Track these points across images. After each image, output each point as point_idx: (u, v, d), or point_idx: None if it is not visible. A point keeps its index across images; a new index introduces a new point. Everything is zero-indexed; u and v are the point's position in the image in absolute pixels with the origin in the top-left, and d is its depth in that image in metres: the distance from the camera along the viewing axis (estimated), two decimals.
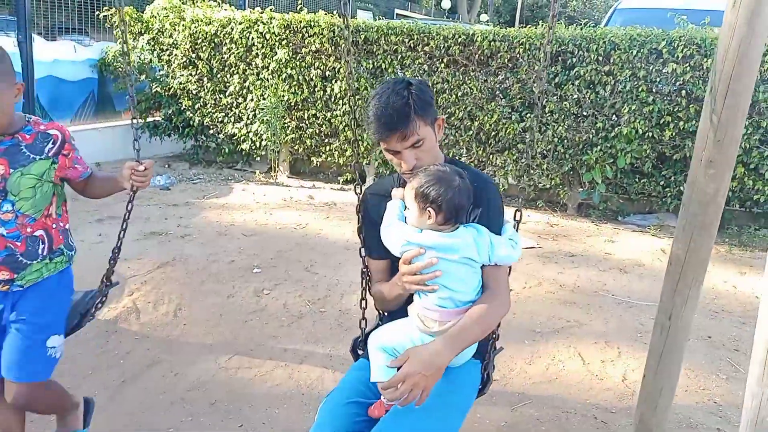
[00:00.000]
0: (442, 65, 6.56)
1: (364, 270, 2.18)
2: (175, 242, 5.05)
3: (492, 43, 6.31)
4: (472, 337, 1.83)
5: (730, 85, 2.06)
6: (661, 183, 6.23)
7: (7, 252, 2.13)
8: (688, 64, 5.77)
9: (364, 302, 2.24)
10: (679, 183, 6.14)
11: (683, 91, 5.83)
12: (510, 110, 6.46)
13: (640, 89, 5.94)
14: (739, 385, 3.47)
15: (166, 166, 7.83)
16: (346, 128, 7.06)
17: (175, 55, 7.62)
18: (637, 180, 6.31)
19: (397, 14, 20.39)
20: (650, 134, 6.01)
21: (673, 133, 5.95)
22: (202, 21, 7.38)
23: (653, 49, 5.86)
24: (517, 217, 2.06)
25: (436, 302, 1.83)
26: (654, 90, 5.97)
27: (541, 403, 3.24)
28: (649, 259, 5.32)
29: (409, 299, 1.97)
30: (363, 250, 2.16)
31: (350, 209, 6.27)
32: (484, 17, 27.37)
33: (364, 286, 2.21)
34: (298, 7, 7.33)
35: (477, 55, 6.44)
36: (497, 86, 6.45)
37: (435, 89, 6.62)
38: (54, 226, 2.28)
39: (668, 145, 6.06)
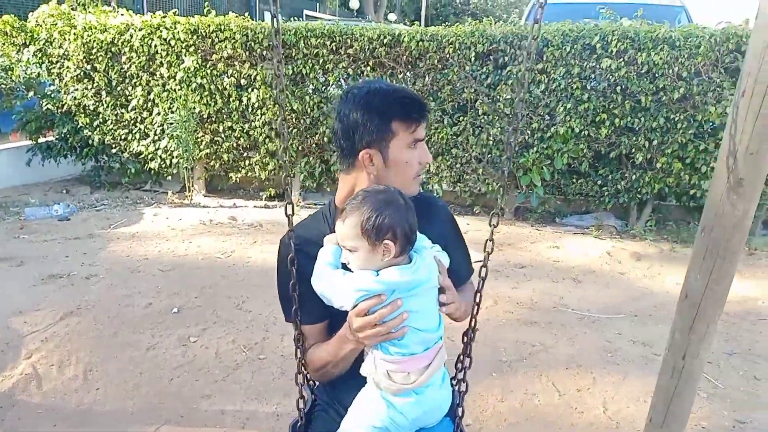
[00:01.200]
0: (368, 68, 6.13)
1: (298, 337, 1.69)
2: (80, 285, 4.36)
3: (420, 43, 5.95)
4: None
5: None
6: (598, 182, 6.07)
7: None
8: (622, 59, 5.60)
9: (300, 377, 1.74)
10: (616, 181, 5.99)
11: (618, 87, 5.67)
12: (441, 114, 6.12)
13: (574, 87, 5.74)
14: (721, 404, 3.25)
15: (64, 191, 7.00)
16: (267, 140, 6.51)
17: (67, 67, 6.79)
18: (574, 180, 6.13)
19: (306, 15, 19.79)
20: (586, 133, 5.83)
21: (609, 131, 5.78)
22: (96, 29, 6.60)
23: (586, 44, 5.67)
24: (488, 249, 1.72)
25: (407, 350, 1.50)
26: (588, 87, 5.79)
27: None
28: (598, 264, 5.11)
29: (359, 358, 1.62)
30: (298, 313, 1.66)
31: (280, 230, 5.73)
32: (391, 17, 27.21)
33: (299, 357, 1.71)
34: (206, 10, 6.69)
35: (404, 57, 6.05)
36: (427, 89, 6.09)
37: None
38: None
39: (604, 143, 5.90)
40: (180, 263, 4.81)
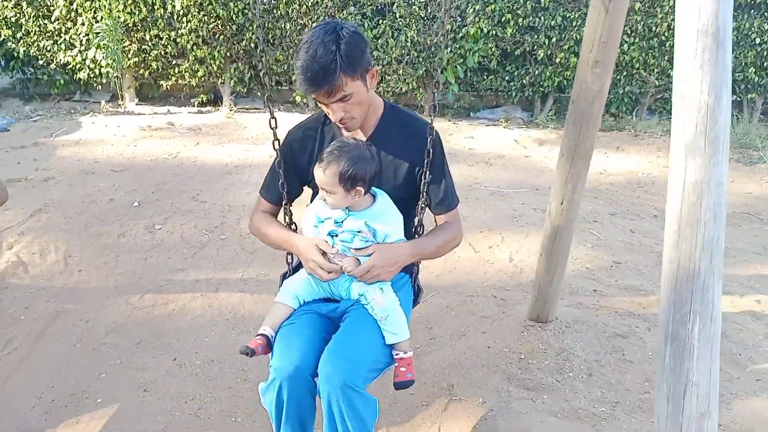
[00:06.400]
0: None
1: (286, 206, 2.18)
2: (40, 187, 4.68)
3: None
4: (428, 254, 2.11)
5: None
6: (506, 78, 6.73)
7: None
8: None
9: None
10: (521, 77, 6.67)
11: None
12: (362, 18, 6.53)
13: None
14: (603, 251, 4.08)
15: None
16: (195, 47, 6.72)
17: None
18: (485, 77, 6.76)
19: None
20: (494, 33, 6.41)
21: (514, 30, 6.39)
22: None
23: None
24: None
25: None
26: None
27: (447, 292, 3.59)
28: (508, 150, 5.85)
29: None
30: (284, 187, 2.12)
31: (218, 132, 6.12)
32: None
33: (287, 221, 2.19)
34: None
35: None
36: None
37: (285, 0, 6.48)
38: None
39: (510, 42, 6.52)
40: (131, 164, 5.18)
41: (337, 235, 1.97)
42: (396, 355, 1.99)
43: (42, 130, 6.07)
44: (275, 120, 2.11)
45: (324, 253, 1.95)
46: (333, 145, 1.95)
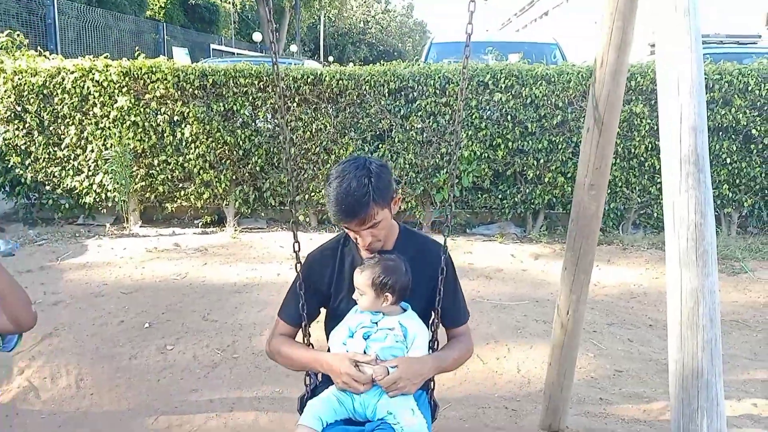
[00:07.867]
0: (294, 104, 6.84)
1: (305, 324, 2.28)
2: (50, 311, 4.74)
3: (340, 81, 6.74)
4: (447, 366, 2.23)
5: (603, 125, 2.63)
6: (499, 197, 7.07)
7: None
8: (510, 93, 6.66)
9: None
10: (513, 195, 7.01)
11: (509, 116, 6.72)
12: (362, 142, 6.93)
13: (473, 117, 6.73)
14: (605, 360, 4.19)
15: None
16: (201, 171, 7.04)
17: None
18: (479, 196, 7.10)
19: (213, 49, 20.17)
20: (486, 155, 6.82)
21: (504, 153, 6.81)
22: (26, 72, 6.91)
23: (481, 81, 6.68)
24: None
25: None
26: (485, 117, 6.80)
27: (459, 404, 3.66)
28: (506, 264, 6.05)
29: None
30: (304, 309, 2.23)
31: (224, 252, 6.29)
32: (293, 47, 28.00)
33: (306, 342, 2.29)
34: (136, 54, 7.18)
35: (327, 93, 6.82)
36: (348, 121, 6.89)
37: (290, 127, 6.89)
38: None
39: (501, 164, 6.91)
40: (140, 286, 5.28)
41: (370, 336, 2.09)
42: None
43: (48, 254, 6.19)
44: (298, 244, 2.26)
45: (356, 365, 2.02)
46: (377, 255, 2.13)
